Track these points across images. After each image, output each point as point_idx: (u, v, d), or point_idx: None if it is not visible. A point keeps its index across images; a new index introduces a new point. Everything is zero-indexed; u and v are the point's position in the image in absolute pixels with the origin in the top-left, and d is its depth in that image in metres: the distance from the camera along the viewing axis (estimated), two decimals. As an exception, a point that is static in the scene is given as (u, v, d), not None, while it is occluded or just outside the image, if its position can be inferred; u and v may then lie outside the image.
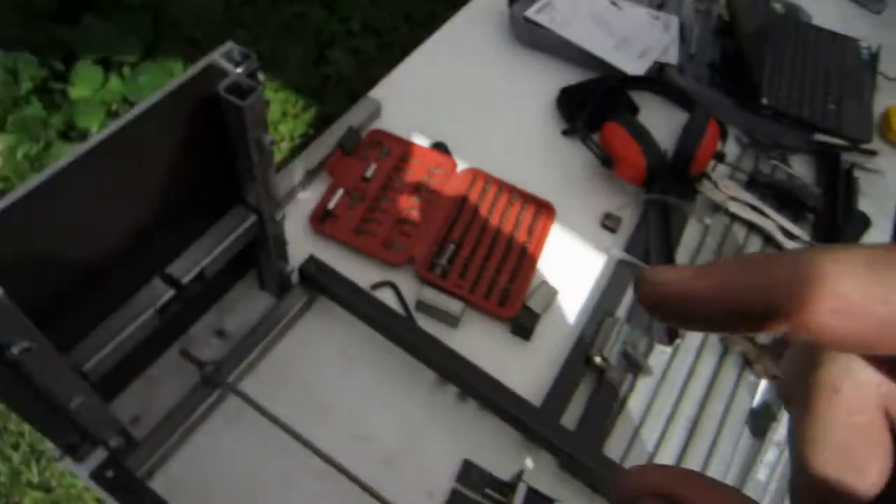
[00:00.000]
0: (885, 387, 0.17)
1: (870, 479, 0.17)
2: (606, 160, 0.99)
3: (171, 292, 0.63)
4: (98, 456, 0.67)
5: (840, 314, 0.15)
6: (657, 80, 1.16)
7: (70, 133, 1.91)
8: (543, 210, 0.96)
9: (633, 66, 1.15)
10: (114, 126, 0.50)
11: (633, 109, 1.13)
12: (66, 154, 0.48)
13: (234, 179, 0.65)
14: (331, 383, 0.78)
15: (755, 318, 0.16)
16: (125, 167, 0.53)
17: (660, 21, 1.25)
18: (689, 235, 0.97)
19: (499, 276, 0.88)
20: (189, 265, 0.65)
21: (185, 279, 0.64)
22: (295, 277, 0.82)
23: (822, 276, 0.16)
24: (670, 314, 0.18)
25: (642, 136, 0.97)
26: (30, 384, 0.50)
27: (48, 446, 1.46)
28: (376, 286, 0.86)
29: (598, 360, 0.79)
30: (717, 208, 1.01)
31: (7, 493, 1.41)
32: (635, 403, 0.80)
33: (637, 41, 1.20)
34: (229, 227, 0.68)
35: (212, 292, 0.80)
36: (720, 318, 0.17)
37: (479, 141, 1.04)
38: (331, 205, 0.91)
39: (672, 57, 1.19)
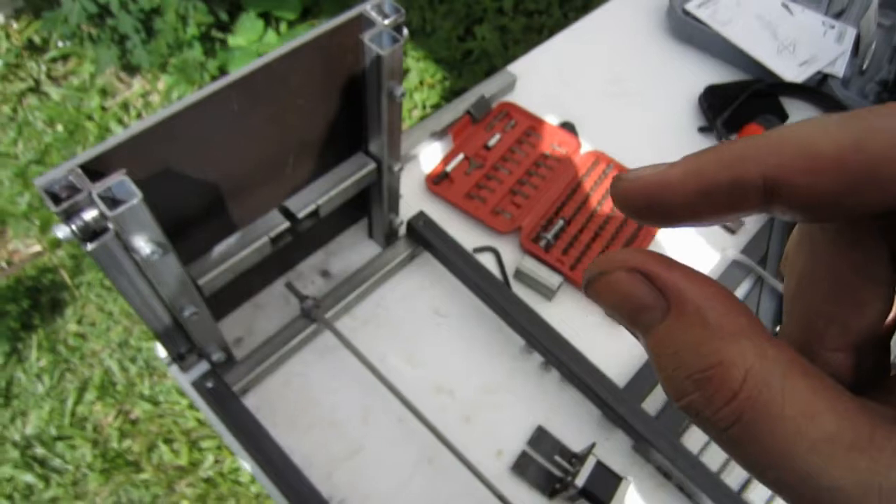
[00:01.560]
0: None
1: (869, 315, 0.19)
2: (740, 160, 0.97)
3: (285, 224, 0.70)
4: (201, 368, 0.75)
5: (811, 170, 0.16)
6: (815, 90, 1.12)
7: (223, 80, 2.08)
8: (662, 201, 0.96)
9: (793, 72, 1.12)
10: (262, 60, 0.56)
11: (783, 116, 1.09)
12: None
13: (361, 127, 0.71)
14: (421, 335, 0.83)
15: (729, 193, 0.17)
16: (265, 101, 0.59)
17: (834, 30, 1.20)
18: (817, 248, 0.94)
19: (603, 258, 0.89)
20: (306, 201, 0.71)
21: (300, 214, 0.70)
22: (402, 230, 0.87)
23: (791, 137, 0.16)
24: (646, 206, 0.19)
25: (784, 141, 0.94)
26: (152, 287, 0.58)
27: (160, 364, 1.62)
28: (479, 250, 0.90)
29: (689, 353, 0.79)
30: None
31: (122, 400, 1.58)
32: (722, 403, 0.79)
33: (803, 48, 1.16)
34: (348, 171, 0.74)
35: (322, 234, 0.88)
36: (694, 200, 0.18)
37: (608, 126, 1.05)
38: (448, 167, 0.96)
39: (839, 69, 1.14)
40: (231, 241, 0.67)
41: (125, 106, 2.13)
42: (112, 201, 0.48)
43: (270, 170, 0.67)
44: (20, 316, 1.70)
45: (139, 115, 2.10)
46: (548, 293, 0.86)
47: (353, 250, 0.89)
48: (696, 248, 0.94)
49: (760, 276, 0.89)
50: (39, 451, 1.51)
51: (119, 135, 0.51)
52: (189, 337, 0.70)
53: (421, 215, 0.86)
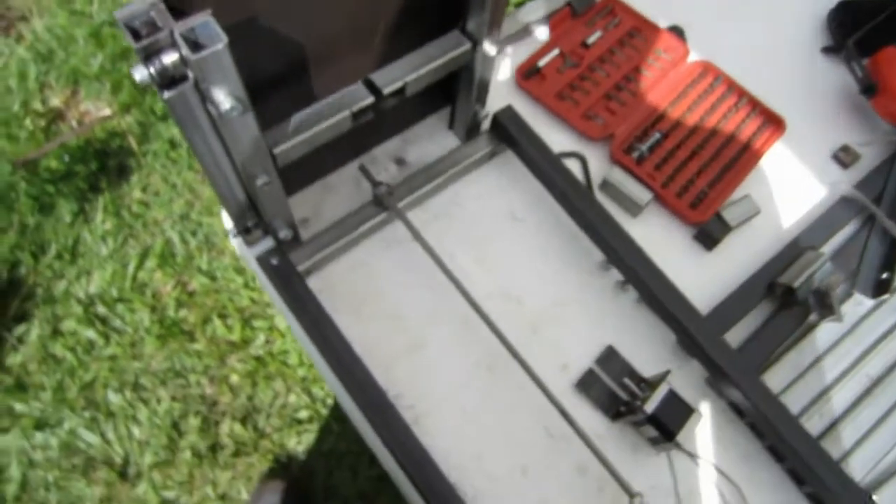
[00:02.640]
0: None
1: None
2: (869, 87, 0.88)
3: (370, 99, 0.65)
4: (266, 244, 0.72)
5: None
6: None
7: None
8: (772, 124, 0.88)
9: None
10: None
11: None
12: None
13: (460, 2, 0.65)
14: (495, 237, 0.79)
15: None
16: None
17: None
18: (941, 193, 0.86)
19: (698, 177, 0.83)
20: (393, 77, 0.66)
21: (387, 90, 0.65)
22: (485, 125, 0.81)
23: None
24: None
25: (924, 71, 0.85)
26: (226, 149, 0.55)
27: (219, 240, 1.62)
28: (565, 155, 0.84)
29: (784, 289, 0.73)
30: None
31: (181, 271, 1.60)
32: (812, 344, 0.74)
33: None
34: (442, 49, 0.68)
35: (402, 119, 0.83)
36: None
37: (722, 35, 0.96)
38: (541, 62, 0.89)
39: None
40: (311, 111, 0.63)
41: (203, -26, 2.07)
42: (195, 44, 0.44)
43: (359, 36, 0.62)
44: (88, 177, 1.72)
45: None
46: (634, 209, 0.81)
47: (431, 140, 0.84)
48: (801, 179, 0.87)
49: (873, 214, 0.81)
50: (101, 309, 1.55)
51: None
52: (257, 209, 0.67)
53: (508, 109, 0.80)
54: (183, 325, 1.54)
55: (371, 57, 0.64)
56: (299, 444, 1.42)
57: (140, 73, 0.45)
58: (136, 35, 0.44)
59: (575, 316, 0.76)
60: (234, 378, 1.50)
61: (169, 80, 0.46)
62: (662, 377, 0.67)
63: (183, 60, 0.45)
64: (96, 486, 1.38)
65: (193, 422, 1.43)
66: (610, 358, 0.73)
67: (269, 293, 0.73)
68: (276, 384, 1.50)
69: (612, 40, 0.92)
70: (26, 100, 1.83)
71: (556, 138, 0.86)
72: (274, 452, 1.42)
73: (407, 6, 0.62)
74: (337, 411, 1.47)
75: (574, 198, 0.76)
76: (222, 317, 1.56)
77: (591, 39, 0.91)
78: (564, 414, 0.66)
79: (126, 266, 1.60)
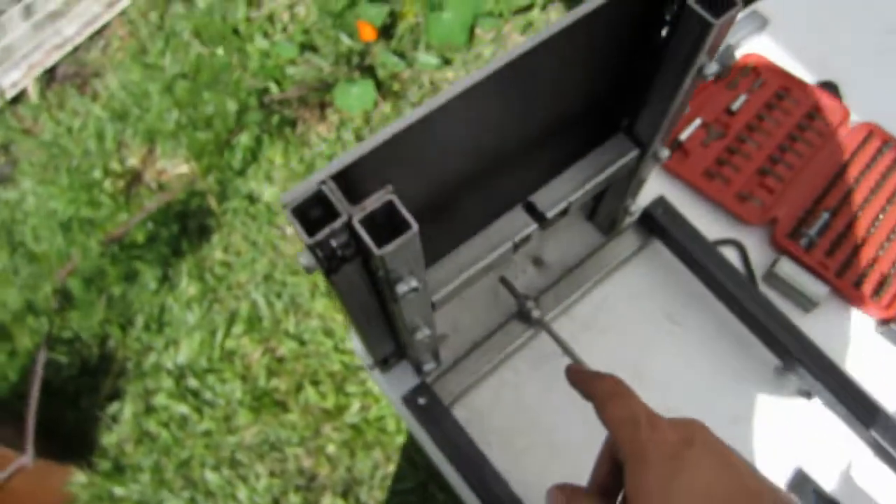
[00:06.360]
0: None
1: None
2: None
3: (533, 226, 0.57)
4: (406, 379, 0.66)
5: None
6: None
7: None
8: (957, 193, 0.78)
9: None
10: (568, 18, 0.41)
11: None
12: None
13: (623, 103, 0.57)
14: (651, 345, 0.71)
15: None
16: (545, 71, 0.45)
17: None
18: None
19: (878, 261, 0.73)
20: (557, 197, 0.57)
21: (550, 213, 0.57)
22: (632, 217, 0.73)
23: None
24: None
25: None
26: (391, 315, 0.48)
27: (304, 301, 1.57)
28: (719, 243, 0.75)
29: None
30: None
31: (268, 336, 1.55)
32: None
33: None
34: (607, 159, 0.59)
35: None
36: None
37: (885, 89, 0.85)
38: (683, 135, 0.80)
39: None
40: (470, 246, 0.55)
41: (270, 18, 2.04)
42: (376, 231, 0.37)
43: (525, 152, 0.53)
44: (170, 241, 1.70)
45: (284, 29, 2.01)
46: (807, 304, 0.71)
47: (569, 235, 0.76)
48: None
49: None
50: (192, 382, 1.51)
51: (375, 138, 0.39)
52: (403, 349, 0.60)
53: (662, 201, 0.72)
54: (275, 394, 1.50)
55: (530, 174, 0.56)
56: (405, 520, 1.36)
57: (306, 259, 0.38)
58: (310, 226, 0.37)
59: (753, 434, 0.67)
60: (331, 448, 1.45)
61: (337, 263, 0.40)
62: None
63: (360, 250, 0.38)
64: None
65: (294, 499, 1.38)
66: (802, 485, 0.64)
67: (411, 427, 0.66)
68: (375, 453, 1.44)
69: (758, 104, 0.82)
70: (105, 162, 1.82)
71: (705, 224, 0.76)
72: (380, 530, 1.36)
73: (571, 116, 0.54)
74: (440, 480, 1.40)
75: (737, 293, 0.67)
76: (314, 383, 1.51)
77: (736, 105, 0.82)
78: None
79: (213, 334, 1.57)
